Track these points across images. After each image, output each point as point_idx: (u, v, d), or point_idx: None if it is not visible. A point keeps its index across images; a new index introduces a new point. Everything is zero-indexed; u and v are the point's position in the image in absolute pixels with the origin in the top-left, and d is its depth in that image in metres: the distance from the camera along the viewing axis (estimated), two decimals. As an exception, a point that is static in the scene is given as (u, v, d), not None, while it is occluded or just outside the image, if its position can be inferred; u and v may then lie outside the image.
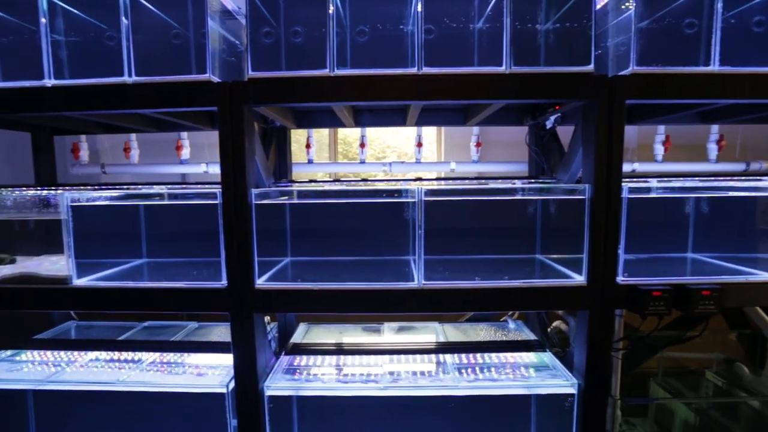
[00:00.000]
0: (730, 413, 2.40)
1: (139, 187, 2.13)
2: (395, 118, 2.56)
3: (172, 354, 2.12)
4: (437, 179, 2.93)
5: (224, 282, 1.75)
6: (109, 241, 2.22)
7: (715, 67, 1.62)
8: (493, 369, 1.94)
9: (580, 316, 1.80)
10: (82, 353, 2.15)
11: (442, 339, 2.36)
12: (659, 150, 2.92)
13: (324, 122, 2.60)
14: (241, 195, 1.70)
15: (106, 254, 2.14)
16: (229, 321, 1.77)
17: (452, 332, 2.46)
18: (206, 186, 1.94)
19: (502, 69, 1.64)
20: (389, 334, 2.45)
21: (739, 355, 2.79)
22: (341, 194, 2.15)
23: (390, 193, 1.90)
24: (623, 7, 1.68)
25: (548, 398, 1.78)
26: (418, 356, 2.08)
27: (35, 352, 2.17)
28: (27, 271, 1.93)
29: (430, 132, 3.67)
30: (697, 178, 2.11)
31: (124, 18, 1.65)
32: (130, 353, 2.14)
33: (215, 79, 1.67)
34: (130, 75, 1.66)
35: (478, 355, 2.07)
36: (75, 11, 1.71)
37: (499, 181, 2.28)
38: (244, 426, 1.80)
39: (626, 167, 2.96)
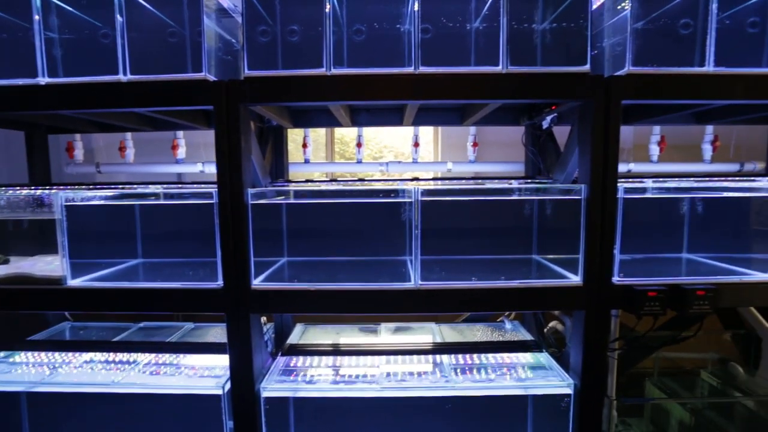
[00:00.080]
0: (725, 413, 2.41)
1: (135, 186, 2.12)
2: (392, 117, 2.56)
3: (167, 355, 2.11)
4: (434, 179, 2.93)
5: (220, 282, 1.74)
6: (104, 241, 2.21)
7: (709, 68, 1.63)
8: (489, 369, 1.94)
9: (576, 316, 1.80)
10: (77, 354, 2.13)
11: (438, 339, 2.36)
12: (655, 150, 2.94)
13: (321, 121, 2.60)
14: (238, 195, 1.69)
15: (101, 254, 2.12)
16: (225, 322, 1.76)
17: (449, 333, 2.46)
18: (202, 185, 1.93)
19: (498, 69, 1.65)
20: (386, 335, 2.44)
21: (734, 355, 2.81)
22: (338, 194, 2.15)
23: (387, 193, 1.89)
24: (619, 7, 1.68)
25: (544, 398, 1.79)
26: (414, 357, 2.08)
27: (29, 354, 2.15)
28: (21, 271, 1.91)
29: (426, 132, 3.67)
30: (692, 179, 2.12)
31: (118, 15, 1.64)
32: (125, 354, 2.12)
33: (211, 77, 1.66)
34: (125, 73, 1.65)
35: (475, 355, 2.07)
36: (69, 8, 1.69)
37: (496, 181, 2.28)
38: (241, 428, 1.79)
39: (622, 167, 3.00)
